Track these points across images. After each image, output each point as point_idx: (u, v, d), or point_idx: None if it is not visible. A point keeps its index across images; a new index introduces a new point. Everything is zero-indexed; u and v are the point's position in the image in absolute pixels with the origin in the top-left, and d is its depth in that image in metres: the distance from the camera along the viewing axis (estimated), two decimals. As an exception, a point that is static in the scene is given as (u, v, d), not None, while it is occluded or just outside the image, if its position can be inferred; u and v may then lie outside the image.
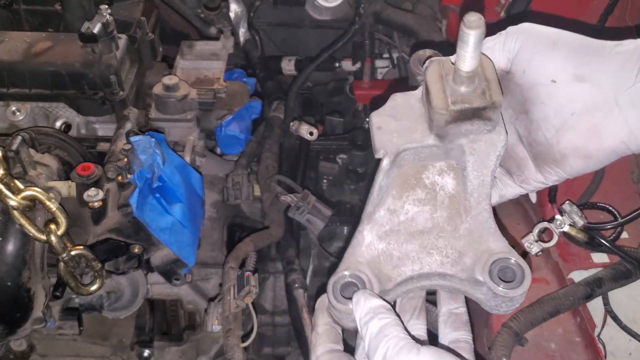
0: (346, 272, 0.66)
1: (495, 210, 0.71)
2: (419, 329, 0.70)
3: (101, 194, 1.13)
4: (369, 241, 0.68)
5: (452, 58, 0.65)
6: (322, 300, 0.70)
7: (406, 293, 0.68)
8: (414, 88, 0.72)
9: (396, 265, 0.67)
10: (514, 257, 0.64)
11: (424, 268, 0.67)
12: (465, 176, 0.68)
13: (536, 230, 1.11)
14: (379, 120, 0.69)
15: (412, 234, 0.68)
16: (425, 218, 0.68)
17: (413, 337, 0.60)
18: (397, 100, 0.70)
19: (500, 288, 0.63)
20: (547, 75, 0.65)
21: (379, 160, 0.72)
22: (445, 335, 0.69)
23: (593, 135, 0.64)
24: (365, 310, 0.62)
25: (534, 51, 0.66)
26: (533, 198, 1.30)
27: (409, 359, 0.58)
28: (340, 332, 0.69)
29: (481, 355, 1.08)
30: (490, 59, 0.66)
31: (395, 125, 0.68)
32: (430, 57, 0.71)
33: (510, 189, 0.78)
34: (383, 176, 0.68)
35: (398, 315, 0.63)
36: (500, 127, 0.67)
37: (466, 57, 0.60)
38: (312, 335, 0.70)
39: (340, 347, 0.68)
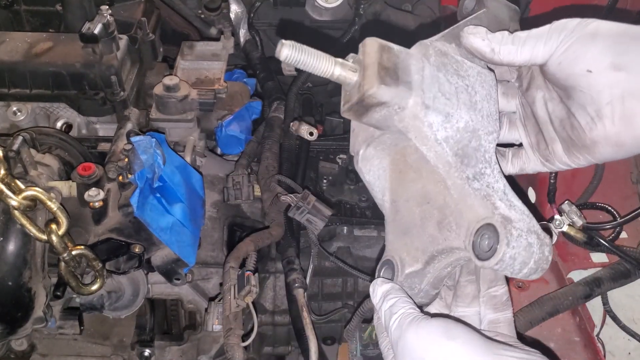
0: (384, 259, 0.75)
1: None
2: (468, 314, 0.74)
3: (102, 194, 1.13)
4: (391, 238, 0.76)
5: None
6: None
7: (444, 270, 0.71)
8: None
9: (417, 247, 0.71)
10: (495, 222, 0.63)
11: (436, 244, 0.69)
12: (421, 152, 0.69)
13: (535, 230, 1.11)
14: (354, 124, 0.77)
15: (418, 214, 0.72)
16: (421, 195, 0.72)
17: (427, 314, 0.67)
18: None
19: (477, 259, 0.64)
20: (583, 65, 0.66)
21: None
22: (485, 316, 0.72)
23: (627, 124, 0.65)
24: (378, 296, 0.71)
25: (573, 43, 0.66)
26: (532, 198, 1.31)
27: (418, 331, 0.63)
28: None
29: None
30: (375, 44, 0.67)
31: (359, 127, 0.76)
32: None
33: (532, 164, 0.79)
34: (363, 166, 0.76)
35: (408, 294, 0.70)
36: (409, 98, 0.66)
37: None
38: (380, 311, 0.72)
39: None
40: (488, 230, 0.63)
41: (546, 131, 0.75)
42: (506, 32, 0.71)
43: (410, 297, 0.69)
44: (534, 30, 0.70)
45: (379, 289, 0.71)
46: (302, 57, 0.69)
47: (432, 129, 0.67)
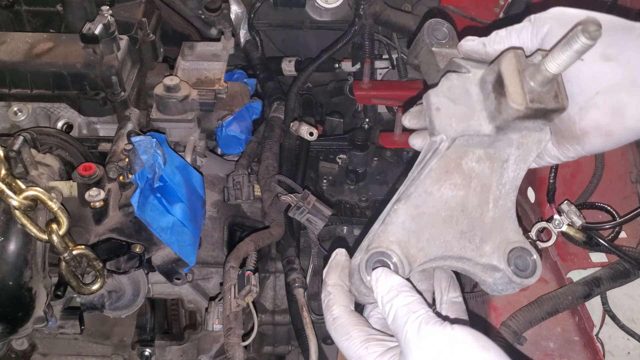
0: (378, 250, 0.66)
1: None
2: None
3: (102, 194, 1.13)
4: (402, 220, 0.68)
5: (528, 55, 0.65)
6: (336, 260, 0.72)
7: (421, 271, 0.71)
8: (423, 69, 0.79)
9: (422, 247, 0.68)
10: (528, 247, 0.69)
11: (447, 251, 0.69)
12: (504, 168, 0.70)
13: (535, 230, 1.12)
14: (437, 101, 0.68)
15: (443, 217, 0.69)
16: (457, 203, 0.69)
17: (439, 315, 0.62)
18: (454, 81, 0.69)
19: (516, 277, 0.68)
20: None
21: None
22: None
23: (616, 114, 0.65)
24: (387, 287, 0.63)
25: (561, 31, 0.66)
26: (532, 198, 1.31)
27: (445, 332, 0.58)
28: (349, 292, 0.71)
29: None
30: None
31: (454, 109, 0.67)
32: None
33: None
34: (438, 159, 0.68)
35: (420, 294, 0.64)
36: (547, 126, 0.68)
37: (563, 62, 0.60)
38: (322, 294, 0.70)
39: (352, 306, 0.69)
40: (519, 252, 0.69)
41: None
42: (496, 30, 0.73)
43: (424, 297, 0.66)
44: (522, 23, 0.71)
45: (386, 281, 0.63)
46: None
47: (537, 153, 0.70)
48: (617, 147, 0.68)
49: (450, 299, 0.72)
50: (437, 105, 0.67)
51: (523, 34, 0.69)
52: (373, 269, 0.65)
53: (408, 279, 0.66)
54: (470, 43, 0.74)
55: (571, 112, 0.68)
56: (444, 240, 0.69)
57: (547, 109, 0.63)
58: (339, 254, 0.73)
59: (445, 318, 0.64)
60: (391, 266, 0.66)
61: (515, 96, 0.63)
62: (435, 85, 0.70)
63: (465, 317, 0.71)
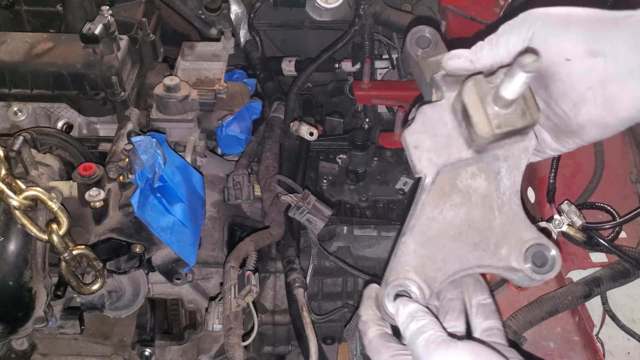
0: (397, 282, 0.71)
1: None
2: (459, 329, 0.74)
3: (102, 194, 1.14)
4: (412, 249, 0.72)
5: (488, 77, 0.66)
6: (367, 294, 0.77)
7: (450, 282, 0.74)
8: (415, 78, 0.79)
9: (439, 267, 0.72)
10: (544, 242, 0.71)
11: (464, 265, 0.72)
12: (498, 179, 0.71)
13: (535, 230, 1.12)
14: (413, 140, 0.70)
15: (452, 236, 0.72)
16: (462, 219, 0.72)
17: (450, 334, 0.66)
18: (427, 114, 0.71)
19: (535, 274, 0.70)
20: (561, 54, 0.67)
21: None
22: (478, 325, 0.73)
23: (609, 107, 0.67)
24: (404, 315, 0.69)
25: (546, 33, 0.67)
26: (532, 198, 1.31)
27: (448, 352, 0.63)
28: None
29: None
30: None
31: (430, 142, 0.70)
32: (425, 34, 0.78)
33: None
34: (426, 193, 0.71)
35: (435, 316, 0.69)
36: (531, 132, 0.69)
37: (514, 90, 0.62)
38: (359, 325, 0.76)
39: (388, 330, 0.74)
40: (536, 248, 0.71)
41: None
42: (479, 42, 0.73)
43: (438, 319, 0.70)
44: (503, 27, 0.71)
45: (403, 309, 0.69)
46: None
47: (525, 164, 0.71)
48: (616, 133, 0.70)
49: (478, 302, 0.74)
50: (414, 143, 0.70)
51: (510, 44, 0.70)
52: (395, 299, 0.71)
53: (428, 304, 0.71)
54: (457, 62, 0.74)
55: (566, 109, 0.69)
56: (458, 255, 0.72)
57: (516, 129, 0.65)
58: (370, 289, 0.78)
59: (472, 323, 0.72)
60: (411, 294, 0.71)
61: (481, 125, 0.65)
62: (428, 101, 0.73)
63: (494, 317, 0.73)
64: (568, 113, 0.70)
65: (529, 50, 0.63)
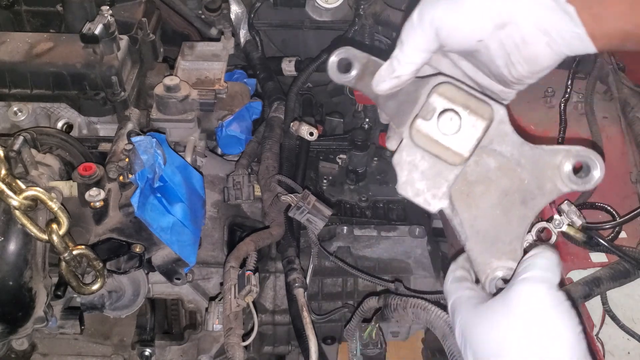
0: (489, 278, 0.73)
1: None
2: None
3: (103, 194, 1.13)
4: (479, 249, 0.74)
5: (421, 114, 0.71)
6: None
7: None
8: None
9: (510, 239, 0.74)
10: (574, 153, 0.72)
11: (526, 220, 0.75)
12: (498, 151, 0.74)
13: (534, 230, 1.11)
14: (409, 191, 0.74)
15: (499, 214, 0.74)
16: (497, 196, 0.74)
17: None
18: (401, 162, 0.74)
19: (591, 183, 0.73)
20: (472, 37, 0.71)
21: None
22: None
23: (533, 62, 0.71)
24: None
25: (450, 24, 0.70)
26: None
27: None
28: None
29: None
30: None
31: (423, 182, 0.73)
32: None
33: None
34: (456, 215, 0.74)
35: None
36: (493, 107, 0.72)
37: (447, 130, 0.69)
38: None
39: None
40: (570, 165, 0.73)
41: (477, 81, 0.80)
42: (392, 54, 0.75)
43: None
44: (405, 30, 0.73)
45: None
46: None
47: (508, 124, 0.73)
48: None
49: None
50: (412, 193, 0.74)
51: (420, 46, 0.72)
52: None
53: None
54: (385, 85, 0.75)
55: (497, 72, 0.75)
56: (516, 219, 0.74)
57: (480, 136, 0.70)
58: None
59: None
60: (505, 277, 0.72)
61: (452, 159, 0.70)
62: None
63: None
64: (500, 75, 0.74)
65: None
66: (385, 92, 0.76)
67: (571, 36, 0.67)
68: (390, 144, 0.83)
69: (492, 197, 0.74)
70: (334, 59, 0.77)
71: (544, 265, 0.67)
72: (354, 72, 0.78)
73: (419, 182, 0.73)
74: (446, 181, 0.72)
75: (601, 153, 0.77)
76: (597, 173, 0.72)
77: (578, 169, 0.73)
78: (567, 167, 0.72)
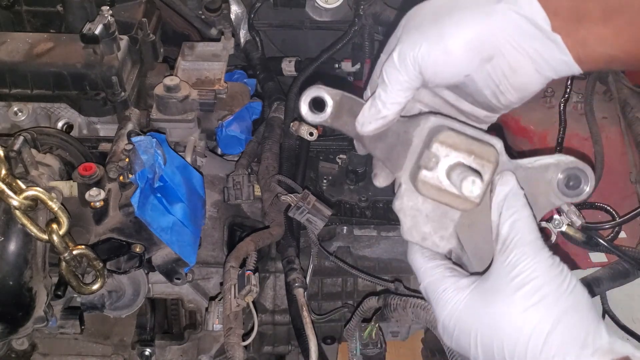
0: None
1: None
2: None
3: (103, 194, 1.13)
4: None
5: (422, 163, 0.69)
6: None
7: None
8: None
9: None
10: (564, 164, 0.73)
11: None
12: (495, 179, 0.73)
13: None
14: (415, 236, 0.73)
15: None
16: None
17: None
18: (403, 208, 0.73)
19: (583, 194, 0.74)
20: (459, 73, 0.70)
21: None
22: None
23: (521, 89, 0.71)
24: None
25: (435, 65, 0.68)
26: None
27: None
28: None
29: None
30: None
31: (429, 226, 0.72)
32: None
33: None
34: (462, 254, 0.74)
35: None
36: (496, 147, 0.71)
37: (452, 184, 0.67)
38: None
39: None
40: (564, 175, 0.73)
41: (461, 108, 0.79)
42: (375, 94, 0.73)
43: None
44: (387, 70, 0.71)
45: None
46: None
47: (505, 155, 0.73)
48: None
49: None
50: (418, 238, 0.73)
51: (404, 85, 0.70)
52: None
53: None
54: (371, 127, 0.73)
55: (485, 100, 0.73)
56: None
57: (490, 179, 0.69)
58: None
59: None
60: None
61: (463, 206, 0.68)
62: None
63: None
64: (487, 103, 0.74)
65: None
66: (371, 134, 0.74)
67: (558, 62, 0.67)
68: (379, 182, 0.82)
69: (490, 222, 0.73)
70: (305, 99, 0.74)
71: (530, 234, 0.67)
72: (328, 111, 0.75)
73: (424, 225, 0.71)
74: (452, 221, 0.71)
75: (590, 163, 0.77)
76: (587, 187, 0.73)
77: (570, 179, 0.73)
78: (558, 181, 0.72)
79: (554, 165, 0.72)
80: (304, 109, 0.74)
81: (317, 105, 0.75)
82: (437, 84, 0.72)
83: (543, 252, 0.65)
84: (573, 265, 1.22)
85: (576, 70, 0.68)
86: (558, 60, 0.67)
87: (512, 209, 0.68)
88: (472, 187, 0.64)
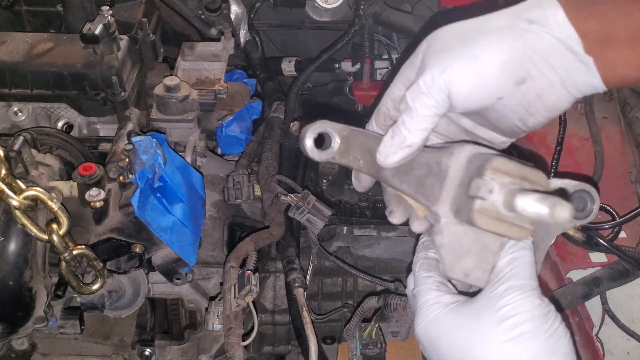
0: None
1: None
2: None
3: (103, 194, 1.13)
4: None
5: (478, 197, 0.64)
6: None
7: None
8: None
9: None
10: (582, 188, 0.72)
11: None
12: None
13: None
14: (458, 272, 0.69)
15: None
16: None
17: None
18: (444, 242, 0.69)
19: (590, 216, 0.73)
20: (490, 97, 0.67)
21: None
22: None
23: (551, 110, 0.69)
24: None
25: (467, 89, 0.66)
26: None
27: None
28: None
29: None
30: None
31: (471, 261, 0.69)
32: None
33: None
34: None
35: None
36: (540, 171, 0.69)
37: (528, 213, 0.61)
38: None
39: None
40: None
41: (477, 135, 0.77)
42: (397, 123, 0.70)
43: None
44: (415, 98, 0.68)
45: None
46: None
47: None
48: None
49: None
50: (462, 273, 0.69)
51: (431, 112, 0.68)
52: None
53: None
54: (395, 157, 0.70)
55: (510, 124, 0.71)
56: None
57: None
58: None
59: None
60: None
61: (517, 235, 0.65)
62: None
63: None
64: (511, 127, 0.71)
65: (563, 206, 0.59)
66: (394, 165, 0.71)
67: (586, 84, 0.66)
68: (396, 219, 0.80)
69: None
70: (310, 135, 0.70)
71: (526, 273, 0.66)
72: (335, 147, 0.71)
73: (466, 260, 0.68)
74: (493, 253, 0.68)
75: (595, 185, 0.77)
76: (594, 206, 0.72)
77: (575, 202, 0.72)
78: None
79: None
80: (309, 145, 0.70)
81: (323, 141, 0.71)
82: (465, 108, 0.69)
83: (533, 292, 0.65)
84: (573, 265, 1.22)
85: (601, 90, 0.67)
86: (587, 81, 0.66)
87: (515, 247, 0.68)
88: (564, 211, 0.59)
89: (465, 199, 0.65)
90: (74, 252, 1.05)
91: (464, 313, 0.67)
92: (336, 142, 0.71)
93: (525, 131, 0.72)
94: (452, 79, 0.66)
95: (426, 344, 0.70)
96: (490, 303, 0.65)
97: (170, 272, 1.24)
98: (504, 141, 0.77)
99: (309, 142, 0.70)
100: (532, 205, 0.59)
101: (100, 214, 1.17)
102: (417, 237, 0.82)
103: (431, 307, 0.69)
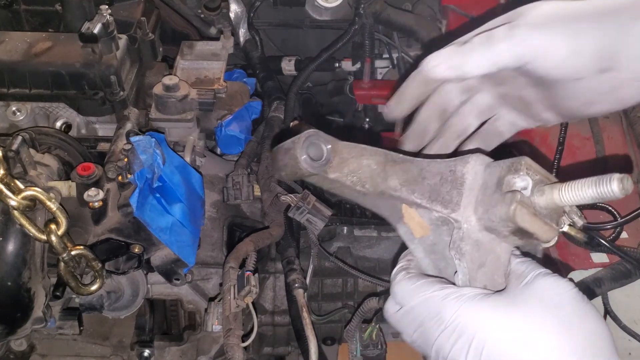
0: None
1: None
2: None
3: (101, 194, 1.13)
4: None
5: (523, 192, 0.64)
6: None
7: None
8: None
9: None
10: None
11: None
12: None
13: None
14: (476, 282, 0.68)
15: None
16: None
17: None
18: (464, 249, 0.67)
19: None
20: (572, 74, 0.67)
21: None
22: None
23: (619, 103, 0.69)
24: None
25: (554, 57, 0.66)
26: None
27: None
28: None
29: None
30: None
31: (496, 277, 0.68)
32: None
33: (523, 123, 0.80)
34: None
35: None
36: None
37: (580, 199, 0.64)
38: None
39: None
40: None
41: (524, 97, 0.77)
42: (469, 37, 0.70)
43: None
44: (497, 34, 0.68)
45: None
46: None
47: None
48: None
49: None
50: (482, 283, 0.67)
51: (506, 58, 0.68)
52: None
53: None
54: (441, 70, 0.70)
55: (573, 106, 0.71)
56: None
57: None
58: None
59: None
60: None
61: (548, 234, 0.67)
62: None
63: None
64: (575, 110, 0.72)
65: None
66: (437, 79, 0.71)
67: None
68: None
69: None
70: (303, 145, 0.66)
71: (541, 267, 0.68)
72: (325, 158, 0.67)
73: (484, 268, 0.68)
74: (502, 265, 0.68)
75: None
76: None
77: None
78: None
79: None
80: (305, 158, 0.66)
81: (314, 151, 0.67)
82: (547, 74, 0.68)
83: (558, 276, 0.65)
84: (574, 266, 1.21)
85: None
86: None
87: (519, 256, 0.70)
88: (614, 183, 0.60)
89: (497, 198, 0.64)
90: (73, 253, 1.05)
91: (498, 301, 0.63)
92: (326, 151, 0.67)
93: (582, 117, 0.73)
94: (550, 44, 0.66)
95: (468, 338, 0.62)
96: (524, 289, 0.64)
97: (170, 272, 1.24)
98: (551, 121, 0.76)
99: (304, 157, 0.66)
100: (582, 190, 0.62)
101: (98, 214, 1.17)
102: None
103: (451, 297, 0.65)
